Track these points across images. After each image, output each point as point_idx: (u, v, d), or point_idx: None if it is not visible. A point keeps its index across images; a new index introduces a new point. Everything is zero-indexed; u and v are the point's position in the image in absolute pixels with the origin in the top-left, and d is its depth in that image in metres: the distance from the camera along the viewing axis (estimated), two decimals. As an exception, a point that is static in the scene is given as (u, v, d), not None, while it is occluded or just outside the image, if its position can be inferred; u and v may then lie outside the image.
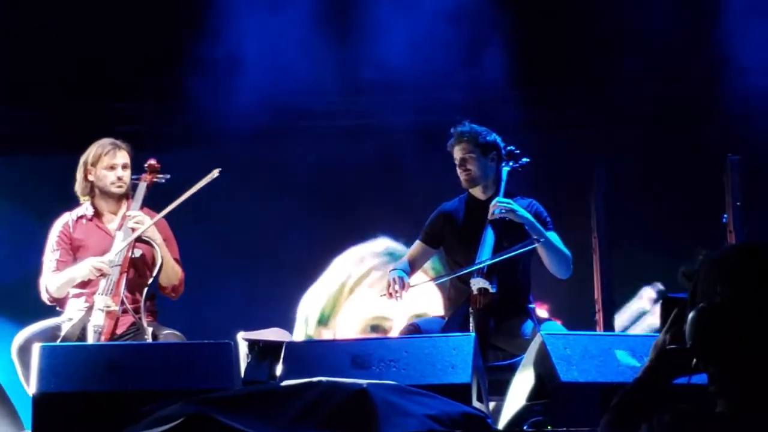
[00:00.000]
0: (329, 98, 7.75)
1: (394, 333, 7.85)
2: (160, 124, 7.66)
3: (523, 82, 7.52)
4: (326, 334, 8.19)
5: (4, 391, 4.66)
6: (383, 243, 8.24)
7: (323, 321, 8.23)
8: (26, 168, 7.53)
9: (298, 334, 8.06)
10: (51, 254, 5.61)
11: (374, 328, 8.08)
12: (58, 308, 5.58)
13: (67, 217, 5.68)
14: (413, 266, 5.51)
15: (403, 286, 5.25)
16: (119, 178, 5.60)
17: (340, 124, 7.83)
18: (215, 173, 5.44)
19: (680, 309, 2.25)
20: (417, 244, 5.58)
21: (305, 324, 8.21)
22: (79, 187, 5.67)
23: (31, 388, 4.48)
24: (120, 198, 5.66)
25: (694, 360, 2.16)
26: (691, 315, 2.16)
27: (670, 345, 2.28)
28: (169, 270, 5.56)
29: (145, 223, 5.48)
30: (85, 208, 5.67)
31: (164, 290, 5.63)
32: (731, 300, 2.13)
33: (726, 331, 2.12)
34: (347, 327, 8.27)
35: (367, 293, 8.22)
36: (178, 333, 5.40)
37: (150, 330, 5.32)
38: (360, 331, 8.15)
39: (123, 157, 5.62)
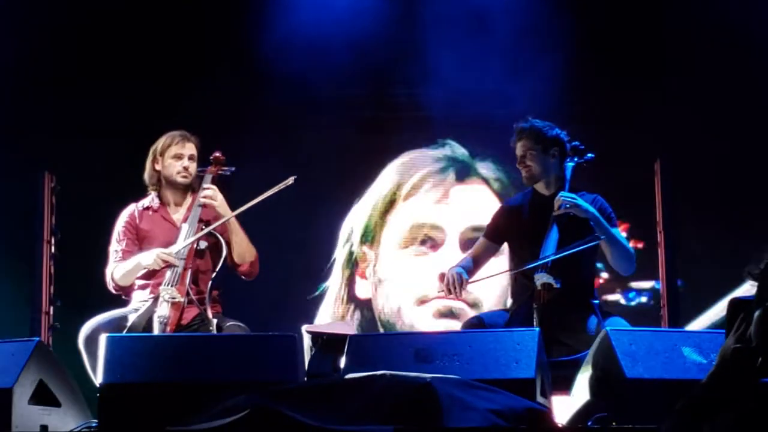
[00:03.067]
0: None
1: (447, 247, 7.81)
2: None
3: (588, 74, 7.48)
4: (369, 254, 8.03)
5: (72, 381, 4.72)
6: (444, 149, 8.14)
7: (367, 238, 8.05)
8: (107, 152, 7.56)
9: (339, 254, 7.95)
10: (117, 244, 5.67)
11: (424, 241, 7.97)
12: (123, 297, 5.64)
13: (132, 208, 5.74)
14: (476, 263, 5.47)
15: (462, 283, 5.23)
16: (185, 168, 5.65)
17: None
18: (290, 180, 5.47)
19: (747, 311, 2.21)
20: (481, 241, 5.56)
21: (347, 242, 8.03)
22: (147, 175, 5.74)
23: (98, 378, 4.54)
24: (185, 189, 5.71)
25: (760, 360, 2.13)
26: (756, 314, 2.13)
27: (735, 346, 2.25)
28: (243, 246, 5.58)
29: (218, 198, 5.52)
30: (151, 198, 5.73)
31: (238, 268, 5.65)
32: None
33: None
34: (393, 240, 8.06)
35: (416, 204, 8.08)
36: (242, 325, 5.43)
37: (215, 321, 5.36)
38: (406, 243, 7.98)
39: (190, 148, 5.68)
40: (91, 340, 5.18)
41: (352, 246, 8.01)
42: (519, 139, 5.42)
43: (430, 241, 7.97)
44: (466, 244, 7.76)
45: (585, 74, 7.43)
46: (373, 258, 8.05)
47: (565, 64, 7.20)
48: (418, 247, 8.00)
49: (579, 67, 7.32)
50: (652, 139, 7.49)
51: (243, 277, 5.71)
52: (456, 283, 5.22)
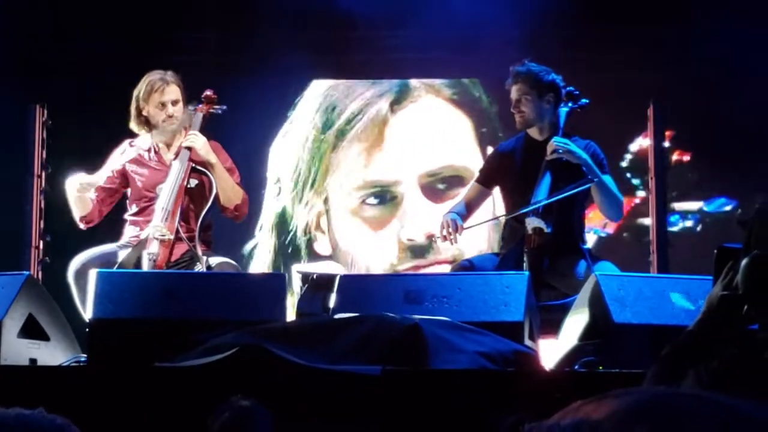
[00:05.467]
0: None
1: (407, 199, 7.62)
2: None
3: (583, 21, 7.43)
4: (317, 202, 7.62)
5: (61, 316, 4.73)
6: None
7: (311, 183, 7.62)
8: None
9: (269, 199, 7.56)
10: (103, 173, 5.66)
11: (379, 196, 7.66)
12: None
13: (124, 146, 5.72)
14: (470, 208, 5.45)
15: (456, 228, 5.23)
16: (170, 116, 5.60)
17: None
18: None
19: (735, 260, 2.21)
20: (473, 186, 5.55)
21: (277, 187, 7.62)
22: (134, 122, 5.67)
23: (87, 313, 4.55)
24: (175, 131, 5.69)
25: (746, 307, 2.13)
26: (743, 262, 2.13)
27: (722, 293, 2.25)
28: (229, 190, 5.56)
29: (199, 142, 5.50)
30: (143, 139, 5.70)
31: (226, 211, 5.63)
32: None
33: None
34: (342, 196, 7.62)
35: (354, 155, 7.67)
36: (232, 262, 5.43)
37: (204, 259, 5.36)
38: (360, 201, 7.64)
39: (172, 92, 5.60)
40: (81, 275, 5.18)
41: (281, 194, 7.62)
42: (515, 83, 5.39)
43: (390, 195, 7.62)
44: (429, 192, 7.59)
45: (579, 20, 7.40)
46: (323, 210, 7.63)
47: (559, 11, 7.16)
48: (373, 207, 7.63)
49: (573, 13, 7.28)
50: (646, 84, 7.47)
51: (233, 220, 5.71)
52: (451, 228, 5.22)
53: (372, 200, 7.63)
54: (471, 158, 7.59)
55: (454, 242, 5.25)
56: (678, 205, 7.66)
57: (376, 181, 7.65)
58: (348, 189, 7.65)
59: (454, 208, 5.44)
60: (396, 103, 7.72)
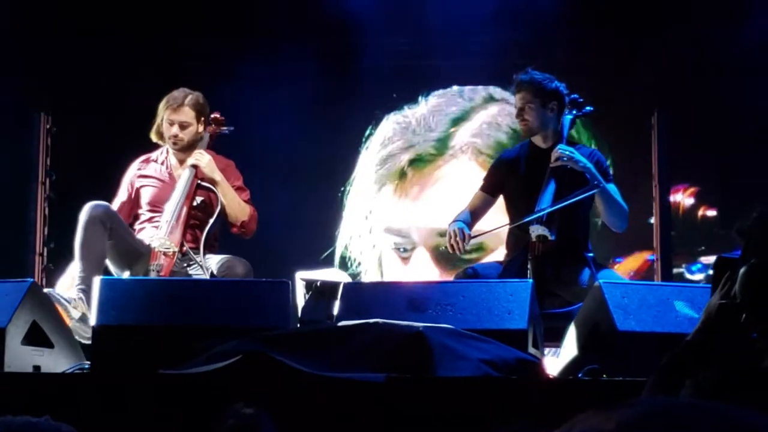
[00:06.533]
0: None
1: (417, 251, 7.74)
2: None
3: (586, 26, 7.44)
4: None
5: (65, 324, 4.73)
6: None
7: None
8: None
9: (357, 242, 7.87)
10: (117, 195, 5.73)
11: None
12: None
13: (143, 158, 5.81)
14: (474, 216, 5.44)
15: (464, 238, 5.23)
16: (174, 136, 5.67)
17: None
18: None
19: (733, 269, 2.21)
20: (477, 194, 5.54)
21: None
22: (153, 132, 5.75)
23: (92, 320, 4.55)
24: (183, 150, 5.74)
25: (744, 316, 2.13)
26: (741, 271, 2.13)
27: (720, 302, 2.25)
28: (235, 207, 5.61)
29: (203, 161, 5.57)
30: (159, 152, 5.79)
31: (233, 227, 5.68)
32: None
33: None
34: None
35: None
36: (241, 259, 5.47)
37: (209, 270, 5.41)
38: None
39: (184, 114, 5.67)
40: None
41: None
42: (518, 91, 5.40)
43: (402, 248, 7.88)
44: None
45: (584, 26, 7.40)
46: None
47: (564, 16, 7.17)
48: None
49: (578, 19, 7.29)
50: (650, 92, 7.48)
51: (241, 236, 5.74)
52: (458, 237, 5.22)
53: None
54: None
55: (461, 252, 5.25)
56: (705, 259, 7.61)
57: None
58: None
59: (459, 216, 5.41)
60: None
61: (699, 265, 7.57)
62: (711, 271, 7.37)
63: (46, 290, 5.16)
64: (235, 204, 5.62)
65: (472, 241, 5.35)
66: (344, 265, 7.77)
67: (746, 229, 2.22)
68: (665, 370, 2.29)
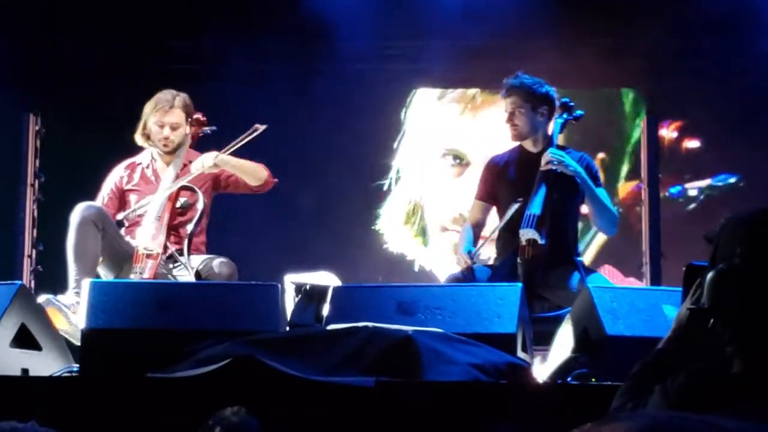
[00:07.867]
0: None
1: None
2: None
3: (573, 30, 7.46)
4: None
5: (54, 327, 4.72)
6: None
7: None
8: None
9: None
10: (99, 198, 5.71)
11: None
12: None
13: (126, 163, 5.79)
14: (478, 228, 5.51)
15: (472, 258, 5.25)
16: (166, 138, 5.66)
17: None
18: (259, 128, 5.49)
19: (703, 277, 2.22)
20: (475, 204, 5.56)
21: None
22: (138, 134, 5.73)
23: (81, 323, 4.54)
24: (170, 152, 5.73)
25: (711, 321, 2.14)
26: (709, 276, 2.14)
27: (689, 307, 2.26)
28: (249, 169, 5.63)
29: (206, 159, 5.57)
30: (143, 155, 5.77)
31: (259, 190, 5.70)
32: (751, 260, 2.11)
33: (744, 291, 2.09)
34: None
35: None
36: (227, 260, 5.47)
37: (194, 271, 5.40)
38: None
39: (174, 116, 5.67)
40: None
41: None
42: (508, 96, 5.41)
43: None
44: None
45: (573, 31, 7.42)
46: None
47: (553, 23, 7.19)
48: None
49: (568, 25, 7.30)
50: (638, 96, 7.51)
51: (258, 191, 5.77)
52: (467, 260, 5.23)
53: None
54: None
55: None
56: (689, 185, 7.79)
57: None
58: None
59: (463, 240, 5.44)
60: None
61: (679, 187, 7.86)
62: (692, 193, 7.74)
63: (45, 297, 5.16)
64: (247, 166, 5.63)
65: (479, 249, 5.37)
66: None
67: (714, 236, 2.22)
68: (635, 377, 2.30)
